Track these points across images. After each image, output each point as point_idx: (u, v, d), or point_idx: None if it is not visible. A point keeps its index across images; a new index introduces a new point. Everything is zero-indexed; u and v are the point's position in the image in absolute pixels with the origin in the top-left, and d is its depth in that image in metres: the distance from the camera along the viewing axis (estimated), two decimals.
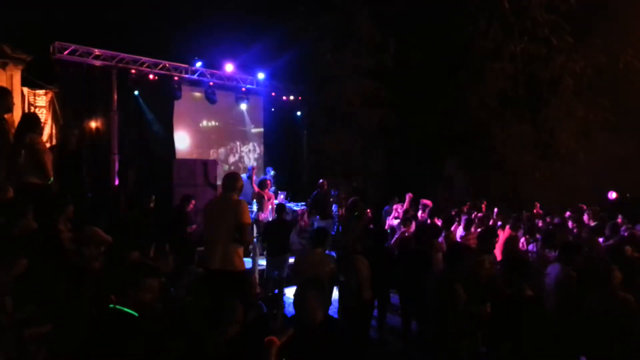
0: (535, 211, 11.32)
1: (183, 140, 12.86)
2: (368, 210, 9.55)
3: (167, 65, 12.04)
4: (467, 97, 14.32)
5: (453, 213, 9.73)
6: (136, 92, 11.68)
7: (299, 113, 15.47)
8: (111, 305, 2.85)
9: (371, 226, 8.85)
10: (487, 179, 14.76)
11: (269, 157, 14.87)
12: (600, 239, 7.63)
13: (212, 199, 5.80)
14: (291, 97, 14.98)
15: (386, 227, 9.44)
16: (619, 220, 9.61)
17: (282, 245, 8.00)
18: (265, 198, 9.79)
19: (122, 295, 2.87)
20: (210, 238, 5.17)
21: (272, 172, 12.71)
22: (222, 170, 12.02)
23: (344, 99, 13.94)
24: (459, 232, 8.46)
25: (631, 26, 13.44)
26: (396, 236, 7.91)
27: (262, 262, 9.08)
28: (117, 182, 10.85)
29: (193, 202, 8.83)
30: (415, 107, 14.91)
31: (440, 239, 7.63)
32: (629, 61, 13.58)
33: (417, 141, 15.62)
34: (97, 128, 11.12)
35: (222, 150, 13.71)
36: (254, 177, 10.59)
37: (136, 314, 2.84)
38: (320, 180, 11.17)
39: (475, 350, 4.85)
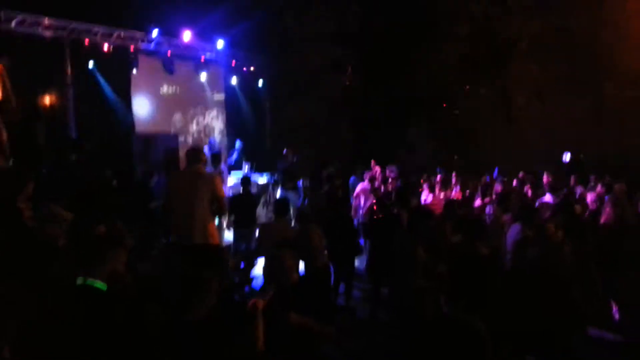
0: (494, 175, 11.66)
1: (143, 112, 12.58)
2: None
3: (122, 34, 11.63)
4: (429, 61, 14.40)
5: (421, 180, 9.97)
6: (91, 64, 11.30)
7: (261, 81, 15.28)
8: (79, 282, 2.85)
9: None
10: (449, 144, 15.05)
11: (232, 127, 14.72)
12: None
13: (177, 172, 5.77)
14: (252, 67, 14.75)
15: (355, 194, 9.57)
16: (572, 180, 10.03)
17: (248, 218, 8.07)
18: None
19: (90, 270, 2.87)
20: (184, 213, 5.11)
21: (238, 144, 12.65)
22: (185, 142, 11.88)
23: (307, 65, 13.84)
24: (424, 196, 8.71)
25: None
26: (367, 204, 8.09)
27: (228, 236, 9.15)
28: (73, 158, 10.58)
29: (155, 176, 8.76)
30: (379, 73, 14.94)
31: None
32: (582, 23, 13.84)
33: (382, 107, 15.71)
34: (51, 102, 10.76)
35: (183, 119, 13.47)
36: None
37: (104, 288, 2.85)
38: (285, 150, 11.18)
39: (437, 309, 5.05)
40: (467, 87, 14.28)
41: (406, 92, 14.72)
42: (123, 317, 2.85)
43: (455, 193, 9.63)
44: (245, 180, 8.61)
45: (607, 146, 14.81)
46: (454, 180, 10.15)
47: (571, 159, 14.89)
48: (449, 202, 6.18)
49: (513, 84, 14.40)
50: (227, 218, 9.18)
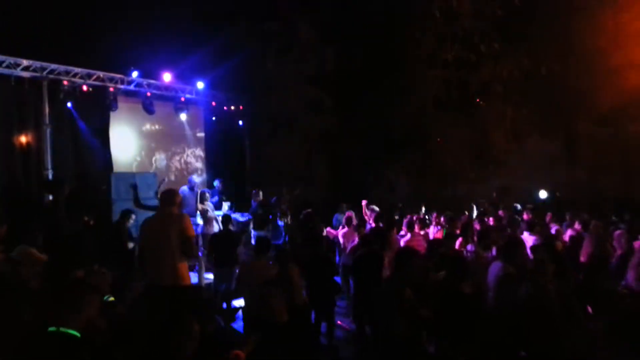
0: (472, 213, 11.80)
1: (122, 153, 12.49)
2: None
3: (101, 75, 11.67)
4: (405, 103, 14.70)
5: (396, 217, 9.99)
6: (69, 104, 11.25)
7: (240, 122, 15.38)
8: (52, 328, 2.75)
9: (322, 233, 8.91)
10: (427, 183, 15.23)
11: (211, 167, 14.69)
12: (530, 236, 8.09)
13: (150, 216, 5.76)
14: (232, 107, 14.87)
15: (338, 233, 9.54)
16: (548, 218, 10.19)
17: (229, 257, 7.97)
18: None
19: (64, 316, 2.78)
20: (155, 254, 5.11)
21: (216, 183, 12.60)
22: (165, 180, 11.78)
23: (286, 106, 14.02)
24: (403, 235, 8.71)
25: (554, 33, 14.22)
26: (352, 244, 8.08)
27: (208, 276, 8.99)
28: (50, 198, 10.39)
29: (133, 216, 8.64)
30: (356, 113, 15.20)
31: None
32: (550, 66, 14.34)
33: (359, 147, 15.89)
34: (27, 142, 10.62)
35: (164, 158, 13.39)
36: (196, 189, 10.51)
37: (78, 335, 2.75)
38: (254, 191, 11.21)
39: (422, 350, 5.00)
40: (443, 128, 14.58)
41: (383, 132, 14.96)
42: None
43: (435, 231, 9.67)
44: (226, 219, 8.55)
45: (581, 184, 15.18)
46: (434, 219, 10.23)
47: (547, 196, 15.21)
48: (433, 241, 6.21)
49: (488, 125, 14.74)
50: (205, 258, 9.07)
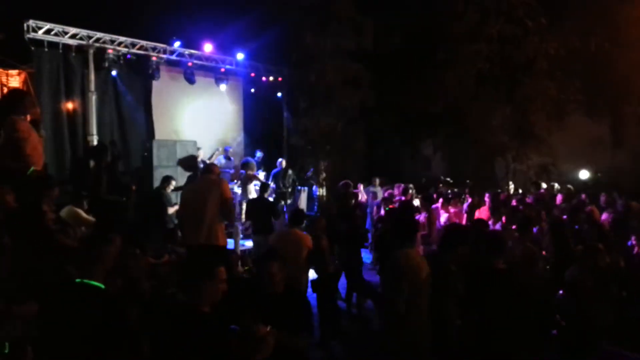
0: (508, 191, 11.63)
1: (162, 121, 12.78)
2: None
3: (144, 45, 11.88)
4: (445, 78, 14.43)
5: (434, 195, 9.94)
6: (114, 73, 11.53)
7: (279, 94, 15.45)
8: (77, 280, 2.96)
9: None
10: (464, 159, 15.02)
11: (249, 138, 14.88)
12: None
13: (190, 183, 6.19)
14: (271, 78, 14.94)
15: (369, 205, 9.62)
16: (583, 197, 9.96)
17: (263, 225, 8.14)
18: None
19: (86, 268, 2.99)
20: (194, 216, 5.44)
21: (259, 154, 12.82)
22: (202, 152, 12.02)
23: (325, 80, 13.98)
24: (441, 212, 8.69)
25: (603, 9, 13.65)
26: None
27: (245, 243, 9.23)
28: (94, 163, 10.77)
29: (173, 182, 8.89)
30: (395, 89, 15.03)
31: (422, 218, 7.87)
32: (600, 44, 13.79)
33: (397, 122, 15.77)
34: (74, 109, 10.98)
35: (203, 128, 13.63)
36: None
37: (102, 286, 2.96)
38: (279, 160, 11.48)
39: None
40: (483, 104, 14.22)
41: (421, 107, 14.75)
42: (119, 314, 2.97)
43: (466, 208, 9.52)
44: (264, 187, 8.75)
45: (624, 167, 14.72)
46: (467, 196, 10.15)
47: (588, 177, 14.83)
48: (478, 221, 6.21)
49: (531, 103, 14.35)
50: (242, 224, 9.32)
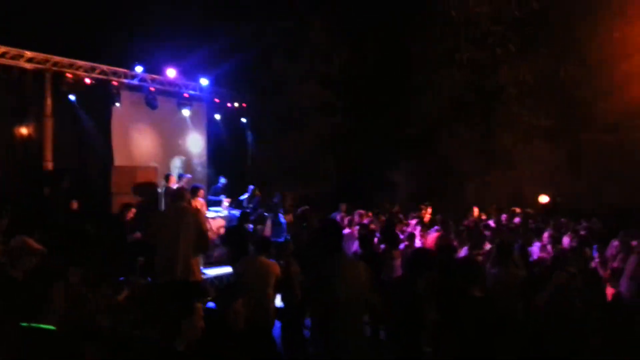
0: (475, 216, 11.69)
1: (122, 147, 12.39)
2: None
3: (105, 69, 11.59)
4: (418, 104, 14.61)
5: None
6: (72, 97, 11.15)
7: (244, 120, 15.28)
8: (24, 324, 2.67)
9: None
10: (436, 185, 15.12)
11: (213, 164, 14.58)
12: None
13: (161, 209, 5.85)
14: (236, 104, 14.78)
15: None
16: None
17: (241, 254, 7.90)
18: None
19: (37, 308, 2.72)
20: (168, 249, 5.10)
21: (222, 180, 12.53)
22: (163, 178, 11.69)
23: (294, 105, 13.93)
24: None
25: (572, 38, 14.16)
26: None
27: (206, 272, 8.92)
28: (49, 191, 10.31)
29: (133, 210, 8.55)
30: (366, 114, 15.11)
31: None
32: (569, 70, 14.26)
33: (367, 148, 15.77)
34: (28, 134, 10.52)
35: (164, 157, 13.29)
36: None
37: (53, 328, 2.68)
38: (250, 188, 11.23)
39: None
40: (455, 130, 14.47)
41: (393, 133, 14.85)
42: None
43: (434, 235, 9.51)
44: (244, 216, 8.63)
45: (582, 191, 15.11)
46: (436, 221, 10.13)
47: (548, 201, 15.11)
48: (444, 246, 6.12)
49: (499, 128, 14.67)
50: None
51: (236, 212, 11.33)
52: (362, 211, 10.30)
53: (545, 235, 8.61)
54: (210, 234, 9.32)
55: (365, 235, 7.39)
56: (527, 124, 14.55)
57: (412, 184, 15.65)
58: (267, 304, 5.39)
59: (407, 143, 15.03)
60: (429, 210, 11.73)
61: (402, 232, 8.99)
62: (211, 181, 13.45)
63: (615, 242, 7.10)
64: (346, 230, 9.07)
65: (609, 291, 6.14)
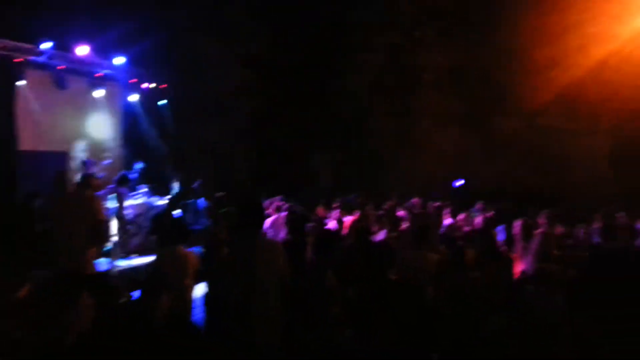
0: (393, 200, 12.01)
1: (28, 130, 11.55)
2: None
3: (7, 44, 10.68)
4: (340, 89, 14.69)
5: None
6: None
7: (163, 101, 14.70)
8: None
9: None
10: (356, 170, 15.37)
11: (129, 149, 13.96)
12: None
13: (62, 196, 5.44)
14: (154, 85, 14.16)
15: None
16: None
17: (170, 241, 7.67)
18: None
19: None
20: (58, 239, 4.80)
21: (139, 166, 12.00)
22: (75, 163, 11.04)
23: (215, 87, 13.58)
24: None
25: (488, 25, 14.73)
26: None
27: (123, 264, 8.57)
28: None
29: (40, 198, 8.04)
30: (288, 99, 15.01)
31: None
32: (484, 57, 14.86)
33: (289, 133, 15.73)
34: None
35: (75, 140, 12.55)
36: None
37: None
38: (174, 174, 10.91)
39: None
40: (376, 114, 14.73)
41: (315, 118, 14.88)
42: None
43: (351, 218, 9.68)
44: (172, 202, 8.34)
45: (495, 175, 15.98)
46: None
47: (462, 185, 15.87)
48: (360, 229, 6.20)
49: (417, 113, 15.08)
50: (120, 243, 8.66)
51: (155, 199, 10.97)
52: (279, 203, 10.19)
53: (460, 217, 9.04)
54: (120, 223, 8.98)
55: (293, 221, 7.39)
56: (442, 110, 15.07)
57: (335, 168, 15.88)
58: (185, 295, 5.25)
59: (329, 128, 15.15)
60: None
61: (327, 218, 9.09)
62: (127, 166, 12.86)
63: (519, 222, 7.52)
64: (273, 217, 9.05)
65: (518, 268, 6.55)
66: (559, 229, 8.35)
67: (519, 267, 6.60)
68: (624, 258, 5.17)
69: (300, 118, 15.02)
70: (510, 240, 7.58)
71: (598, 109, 15.55)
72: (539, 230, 6.85)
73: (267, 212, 9.42)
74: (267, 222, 9.21)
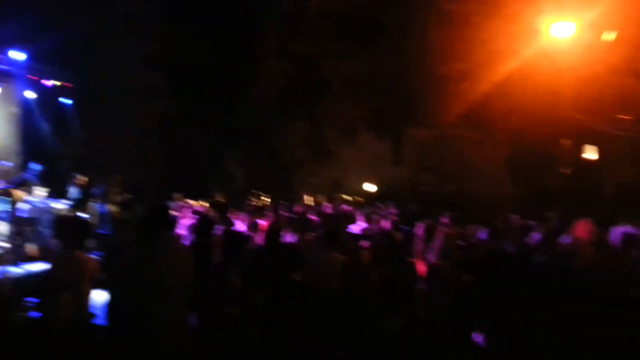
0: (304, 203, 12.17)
1: None
2: None
3: None
4: (249, 93, 14.65)
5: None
6: None
7: (65, 100, 13.89)
8: None
9: None
10: (266, 174, 15.38)
11: (27, 149, 13.04)
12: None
13: None
14: (57, 83, 13.35)
15: None
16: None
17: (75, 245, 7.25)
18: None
19: None
20: None
21: (35, 167, 11.22)
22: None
23: (122, 87, 13.05)
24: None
25: (396, 38, 15.30)
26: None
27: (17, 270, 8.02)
28: None
29: None
30: (197, 100, 14.74)
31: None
32: (387, 71, 15.41)
33: (201, 135, 15.45)
34: None
35: None
36: None
37: None
38: (74, 176, 10.42)
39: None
40: (284, 120, 14.85)
41: (225, 121, 14.74)
42: None
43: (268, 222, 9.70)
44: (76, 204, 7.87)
45: (403, 180, 16.67)
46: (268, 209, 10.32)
47: (375, 190, 16.40)
48: (271, 231, 6.22)
49: (326, 121, 15.36)
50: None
51: (52, 202, 10.32)
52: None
53: (369, 220, 9.31)
54: None
55: (202, 224, 7.29)
56: (351, 118, 15.49)
57: (246, 173, 15.82)
58: (84, 300, 5.02)
59: (241, 133, 15.09)
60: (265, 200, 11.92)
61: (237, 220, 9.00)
62: (22, 167, 11.99)
63: (422, 224, 7.88)
64: (184, 220, 8.83)
65: (421, 268, 6.86)
66: (459, 231, 8.84)
67: (421, 268, 6.94)
68: (512, 258, 5.58)
69: (211, 120, 14.81)
70: (412, 241, 7.94)
71: (499, 121, 16.68)
72: (441, 232, 7.25)
73: (182, 214, 9.21)
74: (184, 224, 9.01)
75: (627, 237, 6.15)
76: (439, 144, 17.13)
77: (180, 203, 10.99)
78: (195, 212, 8.80)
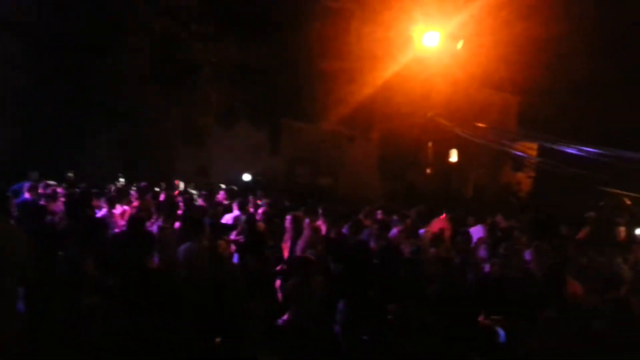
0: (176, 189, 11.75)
1: None
2: None
3: None
4: (110, 69, 13.78)
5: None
6: None
7: None
8: None
9: None
10: (134, 157, 14.60)
11: None
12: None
13: None
14: None
15: None
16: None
17: None
18: None
19: None
20: None
21: None
22: None
23: None
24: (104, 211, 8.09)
25: (278, 30, 15.27)
26: None
27: None
28: None
29: None
30: (55, 73, 13.48)
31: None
32: (263, 62, 15.35)
33: (57, 111, 14.12)
34: None
35: None
36: None
37: None
38: None
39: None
40: (151, 102, 14.13)
41: (85, 98, 13.68)
42: None
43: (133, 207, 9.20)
44: None
45: (279, 171, 16.84)
46: (133, 194, 9.77)
47: (250, 180, 16.34)
48: (133, 219, 5.91)
49: (198, 106, 14.96)
50: None
51: None
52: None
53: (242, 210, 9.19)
54: None
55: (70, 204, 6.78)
56: (223, 105, 15.25)
57: (112, 155, 14.88)
58: None
59: (109, 111, 14.14)
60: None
61: (98, 207, 8.44)
62: None
63: (290, 216, 8.00)
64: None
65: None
66: (327, 225, 9.09)
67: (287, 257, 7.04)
68: (366, 250, 5.90)
69: (74, 96, 13.65)
70: (282, 232, 8.03)
71: (374, 120, 17.47)
72: (308, 225, 7.40)
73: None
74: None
75: (467, 235, 6.94)
76: (315, 137, 17.53)
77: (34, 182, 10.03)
78: (67, 194, 8.09)
